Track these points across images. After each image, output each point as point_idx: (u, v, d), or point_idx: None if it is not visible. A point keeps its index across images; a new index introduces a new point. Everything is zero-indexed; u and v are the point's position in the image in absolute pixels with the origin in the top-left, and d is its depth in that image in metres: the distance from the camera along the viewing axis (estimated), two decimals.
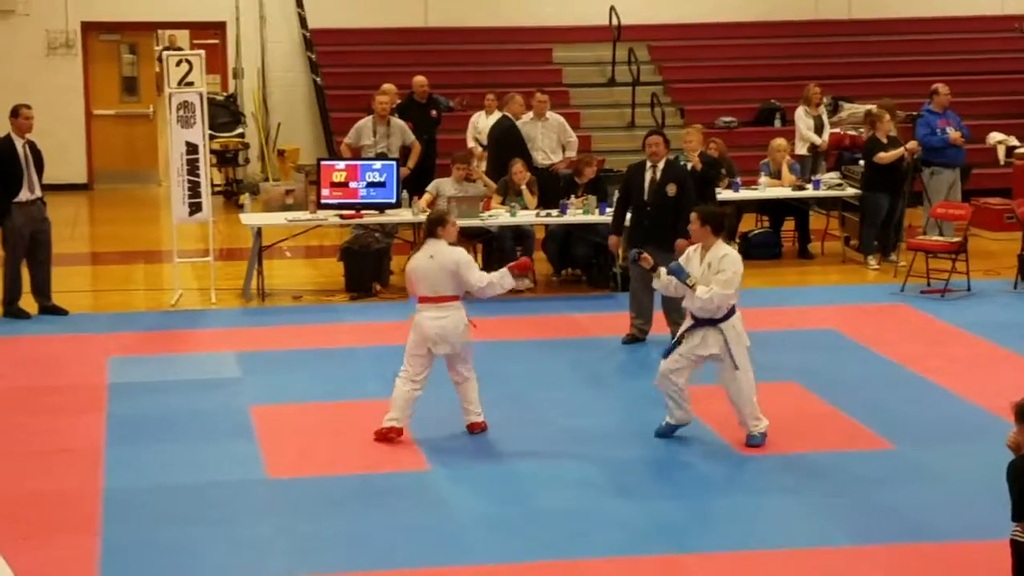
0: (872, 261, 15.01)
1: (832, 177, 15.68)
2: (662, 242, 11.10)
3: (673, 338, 9.51)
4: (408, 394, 9.17)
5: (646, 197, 11.53)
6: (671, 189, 11.45)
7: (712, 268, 9.07)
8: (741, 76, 20.55)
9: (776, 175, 15.64)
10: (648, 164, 11.60)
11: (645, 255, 9.49)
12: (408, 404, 9.18)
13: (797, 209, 15.69)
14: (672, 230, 11.18)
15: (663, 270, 9.30)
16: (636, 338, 11.79)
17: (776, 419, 9.84)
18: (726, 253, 9.18)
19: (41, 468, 8.89)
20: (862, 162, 15.48)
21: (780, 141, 16.01)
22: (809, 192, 15.45)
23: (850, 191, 15.44)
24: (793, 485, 8.54)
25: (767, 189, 15.42)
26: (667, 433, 9.41)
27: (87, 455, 9.09)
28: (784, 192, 15.44)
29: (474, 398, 9.38)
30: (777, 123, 19.41)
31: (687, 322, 9.29)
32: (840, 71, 20.33)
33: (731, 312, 9.17)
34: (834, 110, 18.11)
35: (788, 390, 10.50)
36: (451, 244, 9.25)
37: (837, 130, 17.25)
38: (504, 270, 9.27)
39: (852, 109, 18.30)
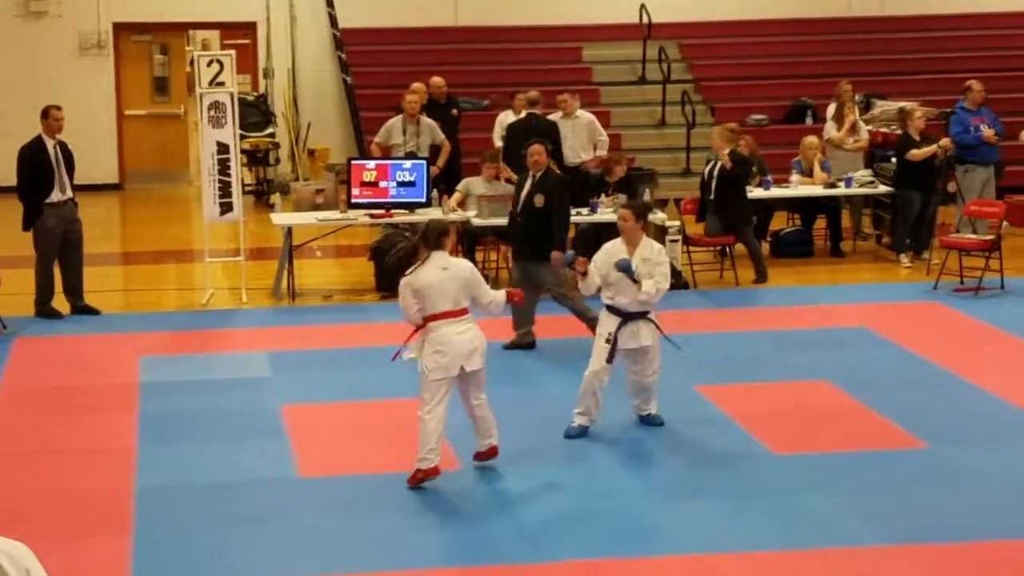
0: (904, 259, 14.93)
1: (864, 175, 15.59)
2: (533, 251, 11.08)
3: (608, 340, 9.16)
4: (440, 427, 8.40)
5: (518, 207, 11.41)
6: (538, 200, 11.21)
7: (650, 262, 9.08)
8: (772, 74, 20.47)
9: (808, 173, 15.56)
10: (530, 173, 11.39)
11: (581, 259, 9.27)
12: (441, 437, 8.46)
13: (829, 207, 15.62)
14: (543, 240, 11.04)
15: (593, 270, 9.17)
16: (520, 345, 11.46)
17: (808, 418, 9.82)
18: (660, 247, 9.33)
19: (73, 467, 8.92)
20: (894, 159, 15.41)
21: (812, 139, 15.92)
22: (841, 190, 15.37)
23: (882, 189, 15.36)
24: (825, 484, 8.49)
25: (798, 187, 15.35)
26: (580, 435, 9.29)
27: (119, 454, 9.12)
28: (815, 190, 15.37)
29: (493, 422, 8.70)
30: (808, 121, 19.32)
31: (612, 319, 9.17)
32: (873, 68, 20.22)
33: None
34: (866, 107, 18.01)
35: (820, 389, 10.46)
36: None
37: (870, 127, 17.15)
38: (503, 293, 8.77)
39: (884, 106, 18.19)
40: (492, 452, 8.77)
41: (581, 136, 15.48)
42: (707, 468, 8.84)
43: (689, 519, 7.98)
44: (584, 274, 9.18)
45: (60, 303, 12.84)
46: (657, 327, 9.30)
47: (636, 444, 9.22)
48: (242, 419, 9.86)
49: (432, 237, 8.47)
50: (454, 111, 16.41)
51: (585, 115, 15.76)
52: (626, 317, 9.15)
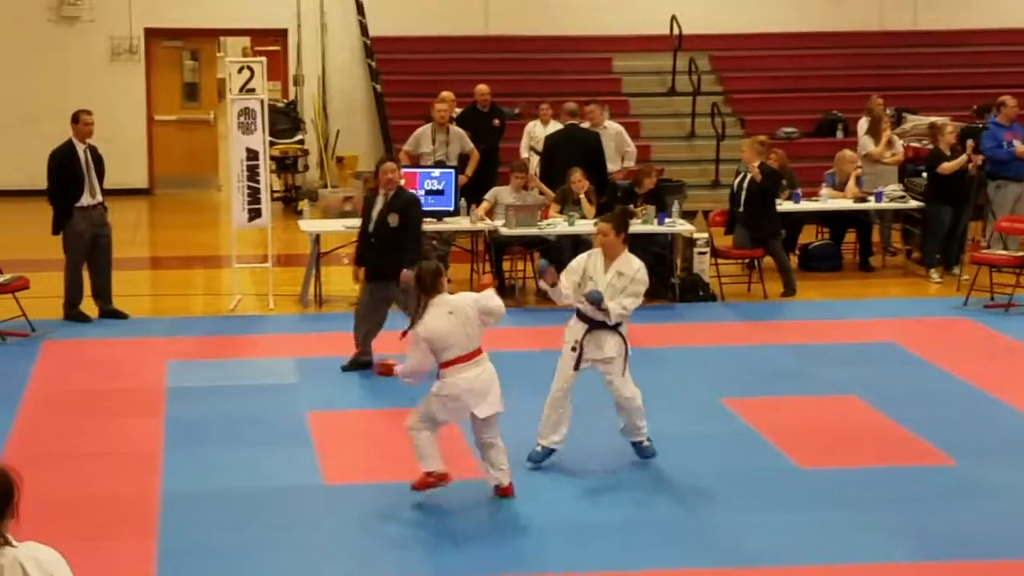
0: (934, 274, 14.85)
1: (895, 189, 15.53)
2: (388, 272, 10.82)
3: (574, 348, 8.86)
4: (434, 438, 8.20)
5: (371, 227, 11.05)
6: (393, 219, 10.93)
7: (624, 277, 8.76)
8: (803, 87, 20.43)
9: (841, 187, 15.49)
10: (381, 192, 11.10)
11: (549, 270, 8.82)
12: (436, 445, 8.24)
13: (859, 221, 15.55)
14: (397, 260, 10.81)
15: (564, 281, 8.76)
16: (360, 364, 11.13)
17: (836, 433, 9.76)
18: (640, 265, 8.91)
19: (100, 471, 8.94)
20: (925, 174, 15.34)
21: (850, 153, 15.86)
22: (871, 204, 15.30)
23: (913, 203, 15.29)
24: (853, 499, 8.44)
25: (828, 201, 15.29)
26: (543, 458, 8.92)
27: (145, 459, 9.13)
28: (844, 204, 15.30)
29: (505, 459, 8.36)
30: (839, 134, 19.27)
31: (580, 326, 8.85)
32: (904, 82, 20.16)
33: None
34: (897, 122, 17.95)
35: (848, 404, 10.40)
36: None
37: (901, 142, 17.09)
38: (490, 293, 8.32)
39: (915, 121, 18.13)
40: (506, 492, 8.36)
41: (609, 147, 15.44)
42: (732, 482, 8.79)
43: (714, 533, 7.93)
44: (553, 285, 8.76)
45: (88, 307, 12.88)
46: (623, 339, 8.92)
47: (661, 457, 9.17)
48: (268, 425, 9.87)
49: (428, 282, 8.05)
50: (496, 121, 16.36)
51: (613, 126, 15.73)
52: (592, 325, 8.87)
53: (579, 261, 8.98)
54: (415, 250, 11.01)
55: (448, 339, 7.96)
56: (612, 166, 15.44)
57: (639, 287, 8.85)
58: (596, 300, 8.66)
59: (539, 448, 8.97)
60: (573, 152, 14.55)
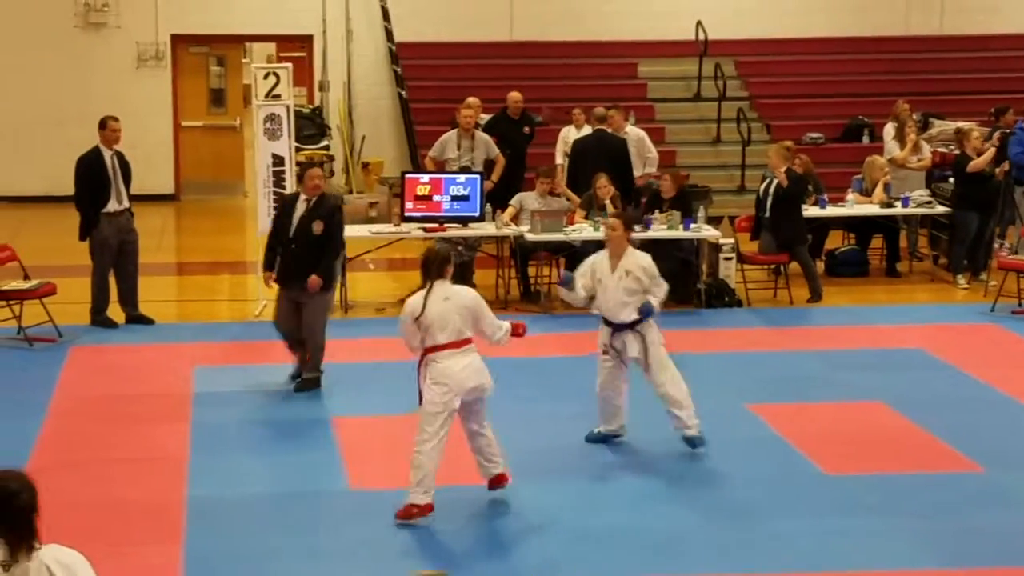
0: (961, 280, 14.79)
1: (922, 195, 15.47)
2: (307, 277, 10.63)
3: (605, 352, 9.27)
4: (435, 462, 8.12)
5: (292, 232, 10.74)
6: (317, 227, 10.68)
7: (632, 276, 9.10)
8: (828, 92, 20.36)
9: (869, 192, 15.44)
10: (302, 197, 10.82)
11: (572, 283, 9.25)
12: (434, 472, 8.15)
13: (886, 227, 15.49)
14: (315, 267, 10.66)
15: (577, 289, 9.23)
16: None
17: (862, 439, 9.73)
18: (648, 258, 9.33)
19: (127, 476, 8.97)
20: (952, 179, 15.27)
21: (879, 159, 15.81)
22: (897, 210, 15.24)
23: (940, 209, 15.23)
24: (879, 506, 8.40)
25: (854, 206, 15.23)
26: (598, 440, 9.43)
27: (172, 464, 9.15)
28: (871, 209, 15.25)
29: (497, 449, 8.42)
30: (865, 140, 19.20)
31: (606, 329, 9.24)
32: (930, 87, 20.07)
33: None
34: (923, 127, 17.87)
35: (875, 410, 10.36)
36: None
37: (928, 147, 17.02)
38: (508, 325, 8.44)
39: (942, 126, 18.05)
40: (501, 480, 8.44)
41: (630, 152, 15.43)
42: (758, 488, 8.76)
43: (739, 539, 7.91)
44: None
45: (115, 312, 12.93)
46: (646, 341, 9.23)
47: (685, 463, 9.15)
48: (294, 430, 9.89)
49: (434, 266, 8.20)
50: (526, 129, 16.34)
51: (635, 131, 15.71)
52: (615, 328, 9.22)
53: (588, 264, 9.30)
54: (333, 257, 10.92)
55: (436, 322, 8.04)
56: (634, 171, 15.43)
57: (658, 278, 9.27)
58: (567, 282, 9.23)
59: (596, 431, 9.48)
60: (600, 158, 14.54)
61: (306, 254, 10.69)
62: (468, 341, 8.18)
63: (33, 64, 20.01)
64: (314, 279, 10.62)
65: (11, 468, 4.65)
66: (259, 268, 13.75)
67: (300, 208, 10.77)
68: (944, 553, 7.70)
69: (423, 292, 8.15)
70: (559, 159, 15.85)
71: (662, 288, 9.28)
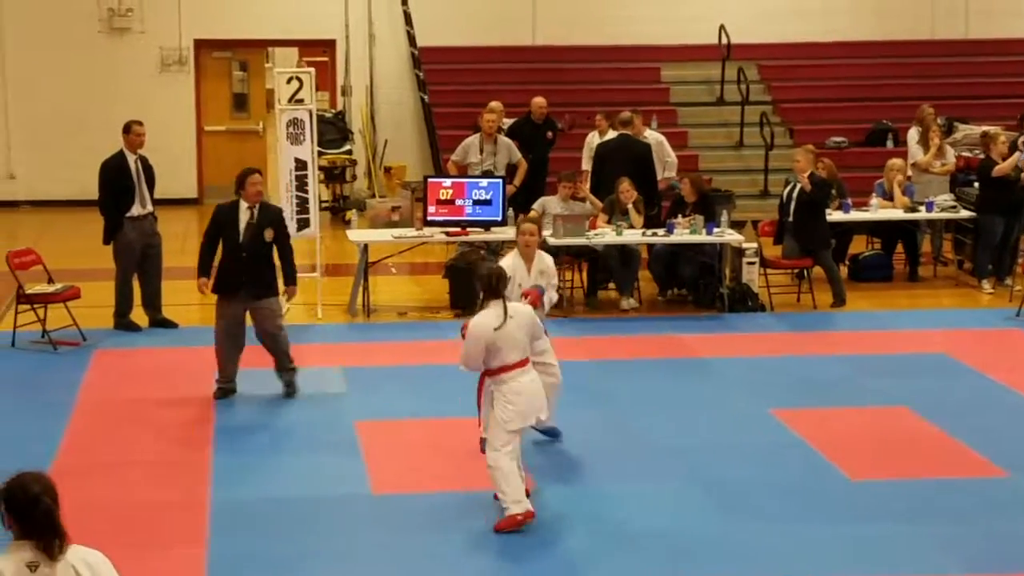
0: (986, 285, 14.72)
1: (946, 199, 15.40)
2: (265, 289, 10.56)
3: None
4: (517, 464, 8.14)
5: (241, 239, 10.52)
6: (268, 234, 10.54)
7: (546, 275, 9.33)
8: (852, 96, 20.29)
9: (890, 196, 15.38)
10: (245, 205, 10.55)
11: (534, 291, 9.14)
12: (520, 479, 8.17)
13: (907, 231, 15.43)
14: (273, 276, 10.61)
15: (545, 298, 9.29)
16: (227, 392, 10.75)
17: (887, 444, 9.69)
18: (550, 258, 9.55)
19: (150, 479, 8.98)
20: (976, 184, 15.20)
21: (897, 161, 15.75)
22: (921, 214, 15.18)
23: (964, 213, 15.16)
24: (904, 511, 8.36)
25: (878, 211, 15.17)
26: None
27: (195, 467, 9.17)
28: (894, 214, 15.19)
29: (521, 461, 8.28)
30: (889, 144, 19.13)
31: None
32: (955, 91, 19.99)
33: None
34: (948, 131, 17.80)
35: (898, 415, 10.32)
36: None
37: (953, 152, 16.94)
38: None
39: (967, 130, 17.98)
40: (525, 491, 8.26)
41: None
42: (782, 493, 8.73)
43: (763, 544, 7.87)
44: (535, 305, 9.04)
45: (139, 316, 12.96)
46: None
47: (708, 467, 9.12)
48: (316, 434, 9.89)
49: (501, 284, 8.11)
50: (549, 134, 16.34)
51: (654, 135, 15.70)
52: None
53: (508, 269, 9.05)
54: (293, 263, 10.84)
55: (508, 343, 7.97)
56: None
57: (555, 278, 9.57)
58: (541, 292, 9.23)
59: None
60: (624, 162, 14.52)
61: (257, 262, 10.55)
62: (527, 361, 8.15)
63: (58, 69, 20.09)
64: (293, 289, 10.70)
65: (32, 470, 4.68)
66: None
67: (244, 216, 10.54)
68: (970, 558, 7.65)
69: (495, 312, 8.00)
70: (585, 164, 15.82)
71: (555, 289, 9.58)
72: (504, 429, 8.02)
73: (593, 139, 16.06)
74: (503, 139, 15.25)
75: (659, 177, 15.38)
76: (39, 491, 4.57)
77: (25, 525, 4.57)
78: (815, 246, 14.10)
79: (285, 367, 10.81)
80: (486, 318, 7.99)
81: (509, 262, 9.24)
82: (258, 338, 10.74)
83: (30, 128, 20.20)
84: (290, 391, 10.80)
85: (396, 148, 20.43)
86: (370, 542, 7.93)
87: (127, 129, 12.88)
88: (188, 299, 14.28)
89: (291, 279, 10.86)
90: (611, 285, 14.32)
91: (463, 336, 8.13)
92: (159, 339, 12.62)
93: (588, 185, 14.95)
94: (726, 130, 19.72)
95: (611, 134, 15.43)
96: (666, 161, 15.58)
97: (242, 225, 10.56)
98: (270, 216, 10.70)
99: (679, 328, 13.10)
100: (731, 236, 13.93)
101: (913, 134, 16.57)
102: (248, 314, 10.68)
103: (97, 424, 10.18)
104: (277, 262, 10.78)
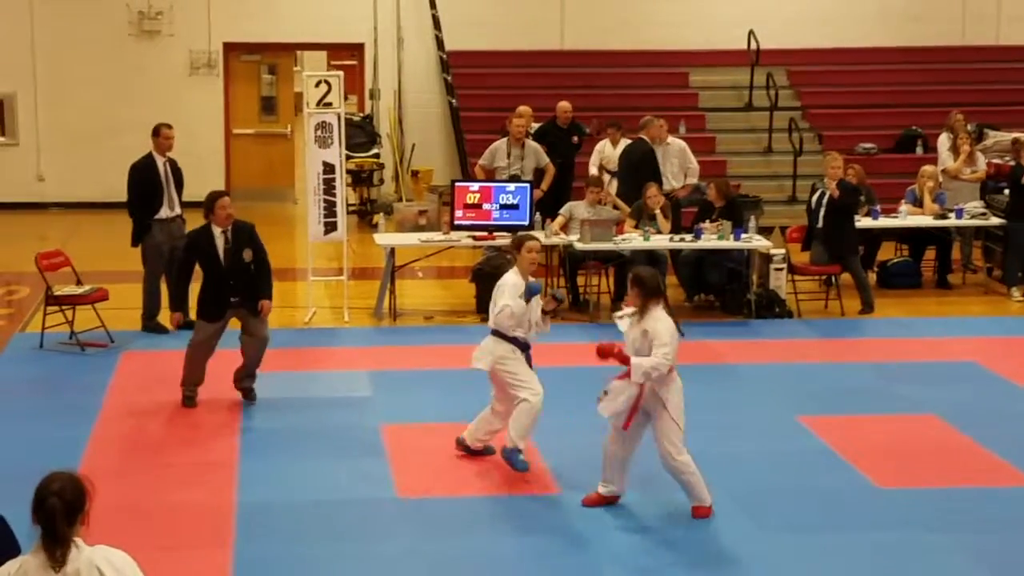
0: (1016, 293, 14.63)
1: (976, 206, 15.32)
2: (254, 298, 10.56)
3: None
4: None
5: (223, 263, 10.51)
6: (247, 255, 10.53)
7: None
8: (882, 102, 20.21)
9: (920, 203, 15.30)
10: (218, 230, 10.50)
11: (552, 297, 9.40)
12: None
13: (939, 238, 15.35)
14: (255, 290, 10.58)
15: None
16: (192, 399, 10.71)
17: (915, 452, 9.63)
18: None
19: (177, 480, 9.00)
20: (1007, 191, 15.12)
21: (930, 168, 15.67)
22: (951, 221, 15.10)
23: (994, 220, 15.08)
24: (931, 520, 8.31)
25: (907, 217, 15.10)
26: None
27: (222, 469, 9.18)
28: (924, 220, 15.11)
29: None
30: (919, 150, 19.04)
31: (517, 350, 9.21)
32: (986, 98, 19.89)
33: None
34: (979, 138, 17.71)
35: (927, 423, 10.26)
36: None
37: (984, 158, 16.85)
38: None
39: (997, 137, 17.90)
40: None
41: (673, 163, 15.44)
42: (809, 501, 8.69)
43: (790, 553, 7.84)
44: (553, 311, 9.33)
45: (166, 318, 12.97)
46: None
47: (736, 475, 9.08)
48: (342, 437, 9.89)
49: (656, 285, 8.28)
50: (575, 138, 16.33)
51: (676, 142, 15.70)
52: (523, 348, 9.17)
53: (512, 286, 9.13)
54: (270, 278, 10.81)
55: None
56: (675, 182, 15.42)
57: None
58: (535, 292, 9.20)
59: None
60: (625, 167, 14.79)
61: (244, 283, 10.58)
62: None
63: (88, 72, 20.19)
64: (266, 305, 10.63)
65: (64, 470, 4.66)
66: (309, 275, 13.85)
67: (219, 242, 10.52)
68: (998, 568, 7.60)
69: (667, 310, 8.21)
70: (592, 169, 15.81)
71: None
72: (680, 427, 8.21)
73: (604, 147, 16.03)
74: (531, 143, 15.24)
75: (682, 183, 15.39)
76: (52, 491, 4.54)
77: (37, 525, 4.55)
78: (843, 252, 14.05)
79: (253, 374, 10.81)
80: (669, 320, 8.13)
81: (511, 280, 9.14)
82: (241, 342, 10.71)
83: (59, 130, 20.31)
84: (251, 398, 10.76)
85: (423, 152, 20.45)
86: (395, 546, 7.92)
87: (156, 132, 12.92)
88: None
89: (267, 294, 10.70)
90: None
91: (606, 354, 8.35)
92: (186, 341, 12.60)
93: (614, 190, 14.96)
94: (754, 135, 19.67)
95: (623, 144, 15.45)
96: (688, 168, 15.60)
97: (220, 251, 10.53)
98: (244, 236, 10.62)
99: (706, 334, 13.04)
100: (759, 242, 13.88)
101: (944, 140, 16.50)
102: (239, 321, 10.69)
103: (124, 426, 10.21)
104: None
